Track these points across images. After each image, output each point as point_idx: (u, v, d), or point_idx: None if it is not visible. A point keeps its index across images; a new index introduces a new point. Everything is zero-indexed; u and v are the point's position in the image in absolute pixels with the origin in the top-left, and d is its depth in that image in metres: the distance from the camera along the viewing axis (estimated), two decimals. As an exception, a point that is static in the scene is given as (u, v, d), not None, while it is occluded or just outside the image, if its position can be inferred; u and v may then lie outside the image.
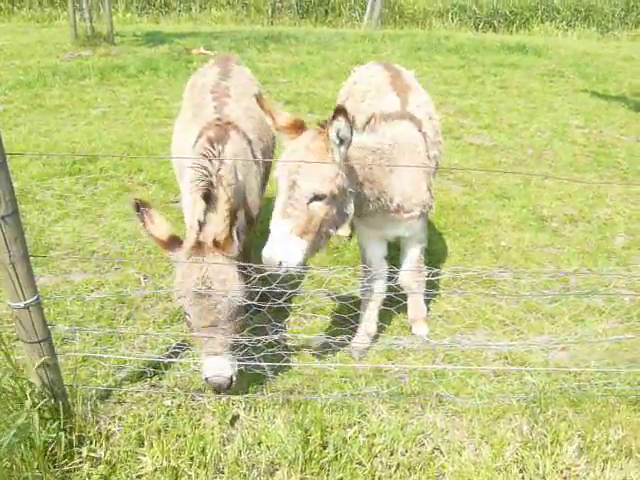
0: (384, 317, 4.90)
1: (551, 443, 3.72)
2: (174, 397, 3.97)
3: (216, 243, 3.52)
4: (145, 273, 5.39)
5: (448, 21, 21.71)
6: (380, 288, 4.51)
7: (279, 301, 3.51)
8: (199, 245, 3.53)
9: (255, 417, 3.82)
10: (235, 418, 3.83)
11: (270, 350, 3.91)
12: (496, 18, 22.16)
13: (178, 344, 4.48)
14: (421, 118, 4.44)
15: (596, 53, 16.39)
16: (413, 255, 4.63)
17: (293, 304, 4.89)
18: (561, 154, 8.62)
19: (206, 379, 3.60)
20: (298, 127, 3.66)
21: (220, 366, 3.57)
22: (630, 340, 4.80)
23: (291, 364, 3.92)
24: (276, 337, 3.84)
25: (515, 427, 3.87)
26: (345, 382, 4.18)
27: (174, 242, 3.56)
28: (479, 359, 4.58)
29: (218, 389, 3.66)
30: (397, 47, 15.18)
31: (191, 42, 14.42)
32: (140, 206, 3.49)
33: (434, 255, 5.84)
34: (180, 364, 4.29)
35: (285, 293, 3.56)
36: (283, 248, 3.45)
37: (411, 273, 4.60)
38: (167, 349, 4.47)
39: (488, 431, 3.83)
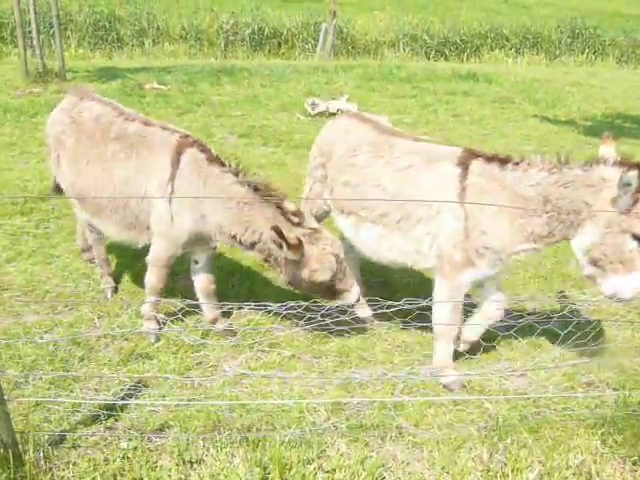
0: (342, 351, 4.88)
1: (512, 471, 3.74)
2: (130, 439, 3.88)
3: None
4: (99, 312, 5.30)
5: (400, 51, 22.05)
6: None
7: (232, 339, 3.48)
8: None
9: (214, 457, 3.75)
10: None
11: (227, 387, 3.86)
12: (447, 47, 22.61)
13: (134, 385, 4.39)
14: None
15: (545, 79, 16.76)
16: None
17: (250, 340, 4.84)
18: (514, 180, 8.72)
19: None
20: None
21: None
22: (586, 364, 4.84)
23: (249, 401, 3.87)
24: (231, 374, 3.79)
25: (475, 456, 3.87)
26: (304, 417, 4.14)
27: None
28: (438, 389, 4.58)
29: None
30: (350, 78, 15.33)
31: (144, 77, 14.35)
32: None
33: (391, 285, 5.86)
34: (136, 405, 4.21)
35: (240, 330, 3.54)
36: None
37: None
38: (122, 390, 4.38)
39: (449, 461, 3.82)
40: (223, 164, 4.66)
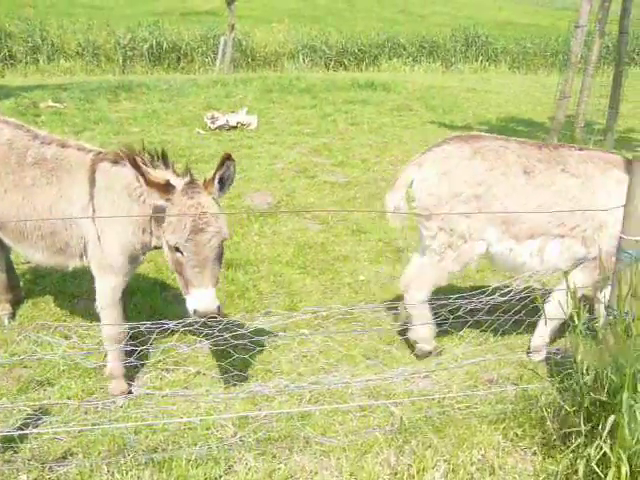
0: (247, 364, 4.86)
1: (417, 472, 3.80)
2: (30, 471, 3.75)
3: (206, 184, 4.01)
4: (-4, 340, 5.11)
5: (299, 62, 22.24)
6: None
7: (130, 359, 3.43)
8: (192, 184, 4.00)
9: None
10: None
11: (132, 408, 3.79)
12: (346, 57, 22.97)
13: (33, 413, 4.25)
14: None
15: (441, 86, 17.21)
16: None
17: (153, 359, 4.78)
18: (413, 185, 8.89)
19: (194, 311, 3.88)
20: None
21: (210, 297, 3.87)
22: (487, 361, 4.99)
23: (154, 422, 3.80)
24: (134, 394, 3.73)
25: (382, 460, 3.92)
26: (210, 434, 4.11)
27: (169, 186, 3.95)
28: (345, 396, 4.61)
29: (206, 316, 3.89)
30: (250, 90, 15.29)
31: (39, 95, 13.92)
32: (135, 158, 3.96)
33: (295, 295, 5.87)
34: (37, 434, 4.08)
35: (135, 350, 3.49)
36: None
37: None
38: (21, 420, 4.22)
39: (356, 467, 3.86)
40: (121, 157, 4.39)
